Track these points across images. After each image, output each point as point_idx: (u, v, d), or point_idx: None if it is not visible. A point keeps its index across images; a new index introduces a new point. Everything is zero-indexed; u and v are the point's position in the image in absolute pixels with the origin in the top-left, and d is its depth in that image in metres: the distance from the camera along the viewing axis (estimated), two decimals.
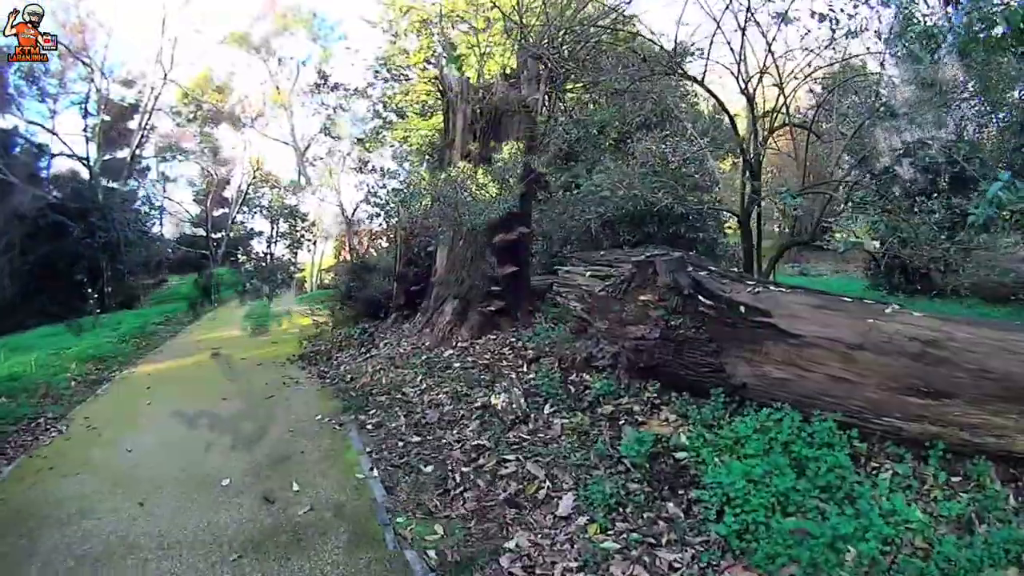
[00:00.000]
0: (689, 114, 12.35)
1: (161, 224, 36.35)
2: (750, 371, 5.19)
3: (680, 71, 8.65)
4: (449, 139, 9.51)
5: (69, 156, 27.66)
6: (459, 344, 8.49)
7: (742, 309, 5.37)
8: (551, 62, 9.29)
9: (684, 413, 5.40)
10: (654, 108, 11.14)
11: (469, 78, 9.73)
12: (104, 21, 28.92)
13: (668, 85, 10.79)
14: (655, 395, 5.86)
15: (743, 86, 8.35)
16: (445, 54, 14.43)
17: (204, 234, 35.64)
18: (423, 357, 8.16)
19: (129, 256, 26.67)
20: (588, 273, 7.76)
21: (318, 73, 29.23)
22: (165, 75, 29.56)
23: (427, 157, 18.70)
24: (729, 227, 13.27)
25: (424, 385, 7.36)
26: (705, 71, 8.32)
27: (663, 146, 8.71)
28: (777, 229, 14.22)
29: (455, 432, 5.97)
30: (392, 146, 24.36)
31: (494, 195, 8.06)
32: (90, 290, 17.89)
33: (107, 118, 28.93)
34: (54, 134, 26.97)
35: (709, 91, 8.57)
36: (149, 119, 30.22)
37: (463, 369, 7.66)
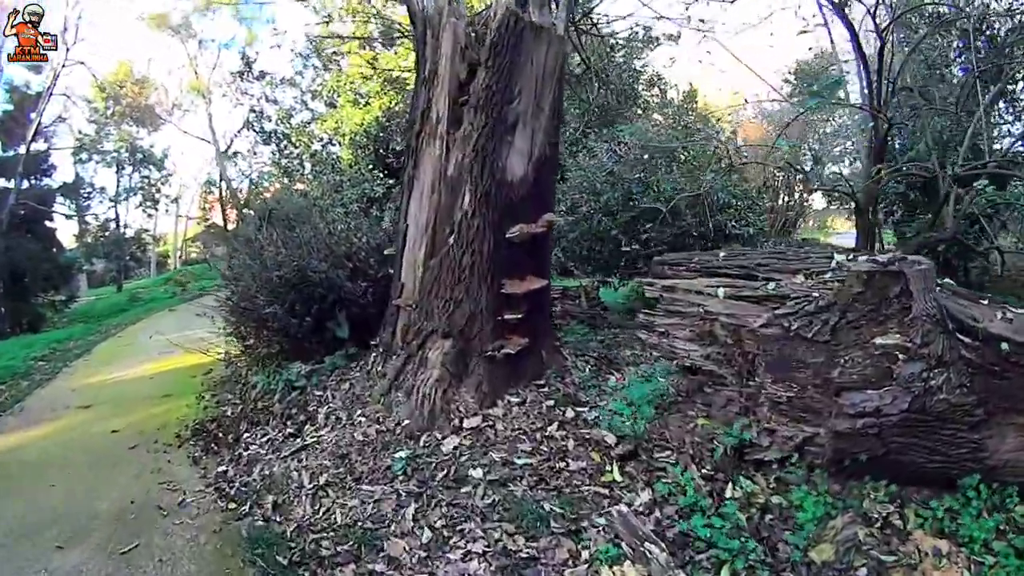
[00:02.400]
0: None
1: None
2: (1018, 443, 3.32)
3: None
4: (421, 106, 5.31)
5: None
6: (464, 422, 4.53)
7: (1004, 347, 3.29)
8: None
9: (948, 530, 3.17)
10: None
11: None
12: None
13: None
14: (884, 501, 3.43)
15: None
16: None
17: None
18: (403, 454, 4.37)
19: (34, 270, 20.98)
20: (721, 291, 4.48)
21: (242, 58, 24.60)
22: (68, 49, 23.74)
23: (361, 148, 14.92)
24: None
25: (423, 531, 3.68)
26: None
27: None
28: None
29: None
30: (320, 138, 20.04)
31: None
32: None
33: (8, 107, 22.93)
34: None
35: None
36: (47, 103, 24.17)
37: (494, 485, 4.02)
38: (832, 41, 11.43)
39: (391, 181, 14.19)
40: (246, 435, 5.36)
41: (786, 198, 16.99)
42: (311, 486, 4.17)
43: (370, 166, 14.69)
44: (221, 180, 31.23)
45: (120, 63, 28.94)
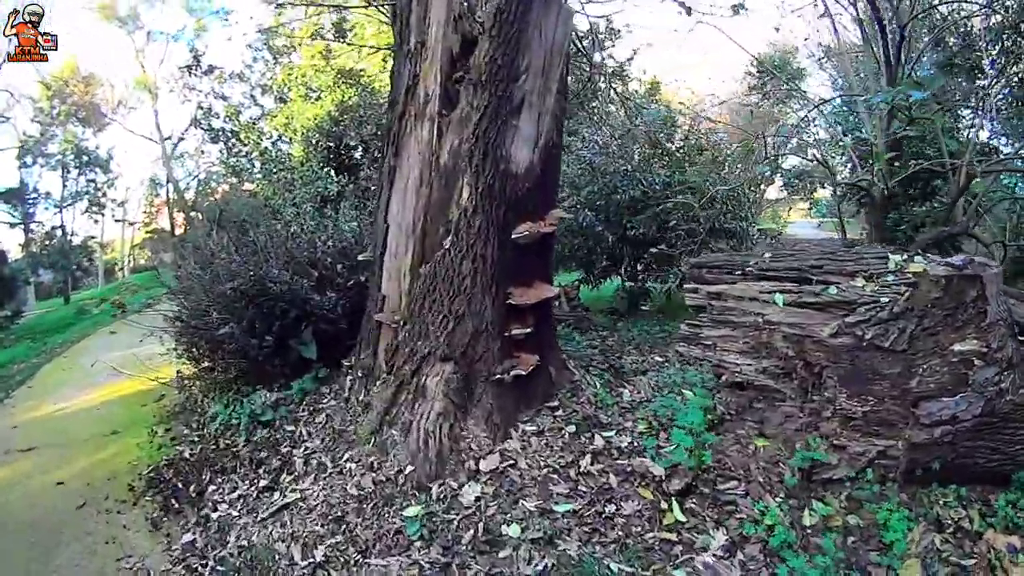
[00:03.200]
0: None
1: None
2: None
3: None
4: (406, 83, 4.48)
5: None
6: (480, 464, 3.70)
7: None
8: None
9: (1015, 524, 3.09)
10: None
11: None
12: None
13: None
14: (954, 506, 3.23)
15: None
16: None
17: None
18: (415, 511, 3.53)
19: None
20: (779, 298, 3.92)
21: (191, 52, 22.77)
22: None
23: (313, 145, 13.74)
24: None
25: None
26: None
27: None
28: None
29: None
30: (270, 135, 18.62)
31: None
32: None
33: None
34: None
35: None
36: None
37: (539, 544, 3.18)
38: (836, 31, 10.88)
39: (345, 179, 13.03)
40: (211, 488, 4.27)
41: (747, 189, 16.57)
42: (306, 564, 3.18)
43: (323, 163, 13.47)
44: (168, 182, 29.16)
45: (66, 59, 26.50)
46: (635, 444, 4.02)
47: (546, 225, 4.40)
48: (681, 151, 8.76)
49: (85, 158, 27.25)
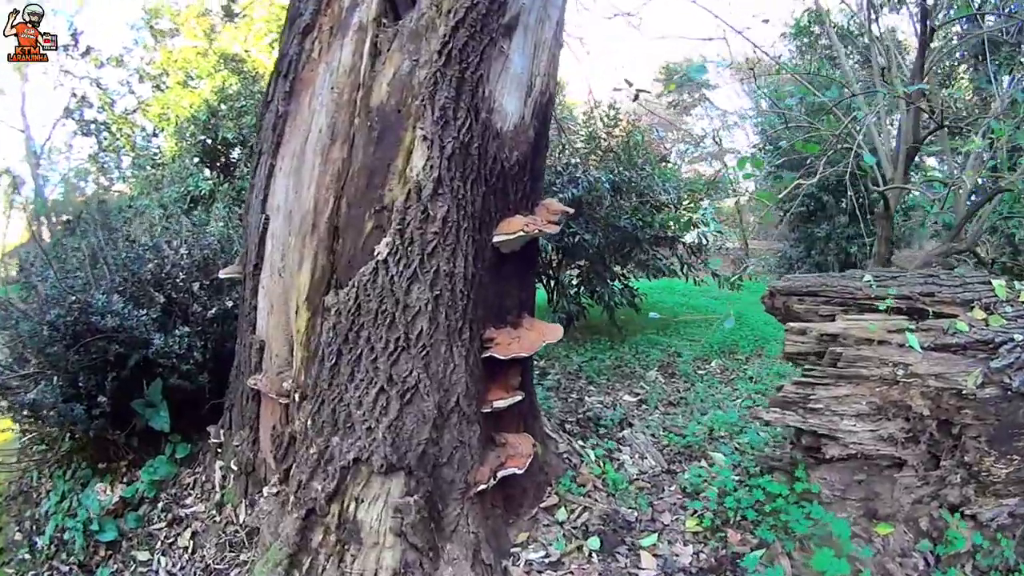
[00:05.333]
0: None
1: None
2: None
3: None
4: None
5: None
6: None
7: None
8: None
9: None
10: None
11: None
12: None
13: None
14: None
15: None
16: None
17: None
18: None
19: None
20: (913, 338, 2.45)
21: (70, 31, 18.40)
22: None
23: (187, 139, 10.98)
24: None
25: None
26: None
27: None
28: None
29: None
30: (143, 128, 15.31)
31: None
32: None
33: None
34: None
35: None
36: None
37: None
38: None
39: (220, 177, 10.32)
40: None
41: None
42: None
43: (196, 159, 10.63)
44: (36, 179, 24.06)
45: None
46: (698, 554, 2.24)
47: (546, 221, 2.46)
48: (621, 148, 6.89)
49: None
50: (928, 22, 4.61)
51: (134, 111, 17.63)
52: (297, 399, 2.38)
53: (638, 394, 4.65)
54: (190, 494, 3.05)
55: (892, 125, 6.11)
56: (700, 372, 5.25)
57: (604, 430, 3.81)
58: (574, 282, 6.43)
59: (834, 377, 2.51)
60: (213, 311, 3.56)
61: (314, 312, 2.31)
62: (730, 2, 5.90)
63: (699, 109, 14.86)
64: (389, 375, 2.08)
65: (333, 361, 2.18)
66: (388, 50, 2.18)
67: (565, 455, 3.24)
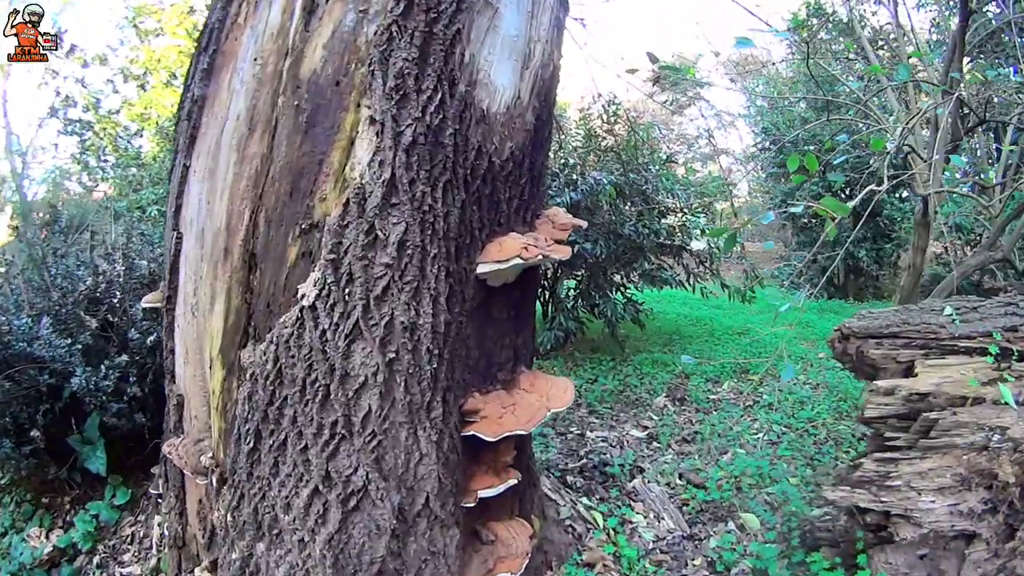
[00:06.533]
0: None
1: None
2: None
3: None
4: None
5: None
6: None
7: None
8: None
9: None
10: None
11: None
12: None
13: None
14: None
15: None
16: None
17: None
18: None
19: None
20: (1007, 391, 1.77)
21: (53, 28, 17.31)
22: None
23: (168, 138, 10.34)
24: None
25: None
26: None
27: None
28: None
29: None
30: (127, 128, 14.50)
31: None
32: None
33: None
34: None
35: None
36: None
37: None
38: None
39: None
40: None
41: None
42: None
43: None
44: (17, 178, 23.04)
45: None
46: None
47: (551, 241, 1.73)
48: (622, 148, 6.03)
49: None
50: (967, 4, 3.91)
51: (117, 111, 16.78)
52: (215, 483, 1.65)
53: (646, 427, 3.93)
54: (128, 549, 2.62)
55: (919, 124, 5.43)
56: (712, 397, 4.53)
57: (611, 481, 3.10)
58: (571, 294, 5.68)
59: (923, 449, 1.82)
60: (153, 337, 2.89)
61: (229, 370, 1.58)
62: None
63: (692, 109, 14.10)
64: (325, 472, 1.35)
65: (251, 444, 1.44)
66: (328, 1, 1.44)
67: (568, 523, 2.54)
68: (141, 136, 13.39)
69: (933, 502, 1.89)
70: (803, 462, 3.31)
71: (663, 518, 2.82)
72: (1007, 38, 4.63)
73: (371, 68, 1.33)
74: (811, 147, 7.27)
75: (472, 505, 1.61)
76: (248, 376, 1.45)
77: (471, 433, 1.54)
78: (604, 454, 3.34)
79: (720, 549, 2.51)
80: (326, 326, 1.31)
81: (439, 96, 1.35)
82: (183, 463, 1.79)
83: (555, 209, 1.98)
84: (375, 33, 1.35)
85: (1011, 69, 4.30)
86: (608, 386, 4.60)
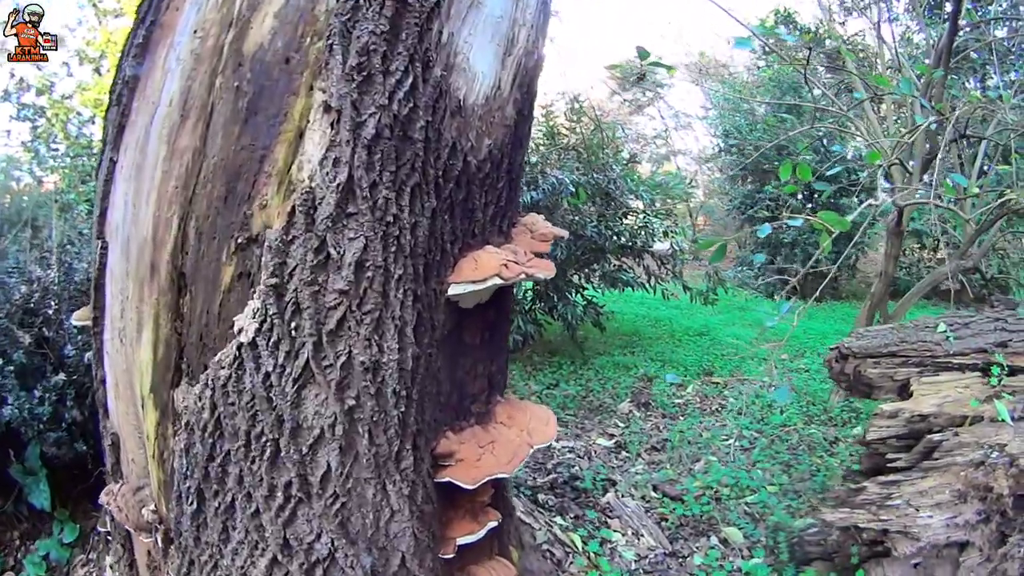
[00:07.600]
0: None
1: None
2: None
3: None
4: None
5: None
6: None
7: None
8: None
9: None
10: None
11: None
12: None
13: None
14: None
15: None
16: None
17: None
18: None
19: None
20: (1003, 408, 1.81)
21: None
22: None
23: None
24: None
25: None
26: None
27: None
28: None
29: None
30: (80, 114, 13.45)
31: None
32: None
33: None
34: None
35: None
36: None
37: None
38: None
39: None
40: None
41: None
42: None
43: None
44: None
45: None
46: None
47: (531, 255, 1.48)
48: (585, 146, 5.70)
49: None
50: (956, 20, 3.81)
51: (71, 96, 15.63)
52: (160, 542, 1.34)
53: (613, 435, 3.74)
54: None
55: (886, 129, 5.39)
56: (678, 402, 4.37)
57: (584, 496, 2.89)
58: (529, 296, 5.37)
59: (925, 470, 1.70)
60: (90, 354, 2.49)
61: (163, 412, 1.27)
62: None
63: (652, 109, 14.02)
64: (283, 539, 1.07)
65: (194, 506, 1.15)
66: None
67: (545, 547, 2.31)
68: (94, 123, 12.54)
69: (931, 517, 1.84)
70: (779, 469, 3.18)
71: (642, 535, 2.64)
72: (976, 56, 4.62)
73: (330, 42, 1.04)
74: (774, 152, 7.22)
75: (451, 556, 1.36)
76: (184, 424, 1.16)
77: (446, 479, 1.28)
78: (573, 466, 3.12)
79: (707, 567, 2.35)
80: (269, 368, 1.02)
81: (410, 80, 1.07)
82: (123, 517, 1.47)
83: (532, 216, 1.72)
84: (343, 7, 1.07)
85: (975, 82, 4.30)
86: (570, 391, 4.38)
